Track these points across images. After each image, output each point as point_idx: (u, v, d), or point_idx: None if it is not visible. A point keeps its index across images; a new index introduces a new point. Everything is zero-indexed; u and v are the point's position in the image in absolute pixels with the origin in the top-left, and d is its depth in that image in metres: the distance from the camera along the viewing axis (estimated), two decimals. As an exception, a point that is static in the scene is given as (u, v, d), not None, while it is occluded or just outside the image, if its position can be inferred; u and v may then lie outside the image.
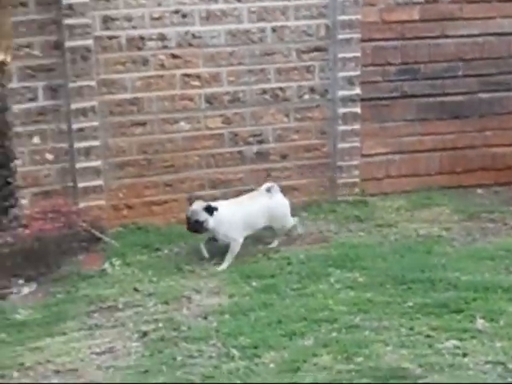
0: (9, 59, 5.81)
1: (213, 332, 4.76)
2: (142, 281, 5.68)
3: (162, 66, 6.81)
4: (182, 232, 6.25)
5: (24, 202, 6.18)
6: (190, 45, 6.85)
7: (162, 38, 6.77)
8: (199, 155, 7.00)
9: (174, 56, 6.82)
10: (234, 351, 4.49)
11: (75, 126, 6.56)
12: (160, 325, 4.93)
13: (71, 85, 6.51)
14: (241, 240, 5.99)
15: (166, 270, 5.83)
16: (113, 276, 5.77)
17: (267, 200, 6.22)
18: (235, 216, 6.00)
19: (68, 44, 6.46)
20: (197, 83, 6.90)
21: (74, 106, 6.53)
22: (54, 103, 6.57)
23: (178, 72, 6.85)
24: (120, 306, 5.27)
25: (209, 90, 6.95)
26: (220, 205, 6.00)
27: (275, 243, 6.33)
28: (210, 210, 5.86)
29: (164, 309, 5.20)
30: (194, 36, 6.85)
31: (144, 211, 6.83)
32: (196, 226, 5.90)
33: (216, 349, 4.56)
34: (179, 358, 4.45)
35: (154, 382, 4.19)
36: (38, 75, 6.51)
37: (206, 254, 6.08)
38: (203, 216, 5.86)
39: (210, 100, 6.97)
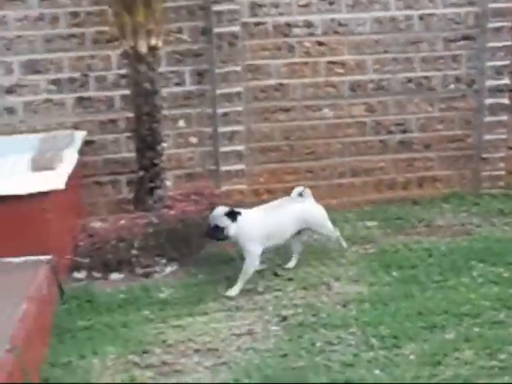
0: (160, 44, 5.94)
1: (352, 320, 4.74)
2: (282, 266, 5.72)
3: (308, 53, 6.82)
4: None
5: (168, 183, 6.32)
6: (336, 32, 6.84)
7: (309, 25, 6.78)
8: (341, 143, 6.99)
9: (320, 43, 6.82)
10: (374, 340, 4.46)
11: (220, 111, 6.67)
12: (299, 310, 4.95)
13: (217, 70, 6.61)
14: (258, 252, 5.38)
15: (305, 256, 5.84)
16: (252, 259, 5.83)
17: (298, 205, 5.66)
18: (257, 224, 5.44)
19: (216, 30, 6.56)
20: (341, 71, 6.88)
21: (219, 91, 6.64)
22: (200, 88, 6.70)
23: (323, 59, 6.85)
24: (260, 289, 5.33)
25: (353, 78, 6.92)
26: (245, 212, 5.46)
27: (293, 263, 5.72)
28: (232, 216, 5.33)
29: (303, 294, 5.21)
30: (340, 23, 6.83)
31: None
32: (215, 232, 5.35)
33: (355, 337, 4.54)
34: (318, 344, 4.46)
35: (293, 365, 4.22)
36: (185, 60, 6.65)
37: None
38: (224, 222, 5.31)
39: (354, 88, 6.94)
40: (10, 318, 4.03)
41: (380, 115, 7.01)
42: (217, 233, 5.33)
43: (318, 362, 4.24)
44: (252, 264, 5.33)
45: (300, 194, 5.69)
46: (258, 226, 5.41)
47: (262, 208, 5.62)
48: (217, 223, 5.32)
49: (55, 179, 5.15)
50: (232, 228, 5.31)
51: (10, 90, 6.49)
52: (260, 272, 5.50)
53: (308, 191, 5.72)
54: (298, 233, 5.71)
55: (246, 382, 4.07)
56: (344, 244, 5.90)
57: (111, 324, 4.81)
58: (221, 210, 5.39)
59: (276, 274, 5.56)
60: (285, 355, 4.36)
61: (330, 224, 5.80)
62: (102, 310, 5.01)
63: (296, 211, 5.61)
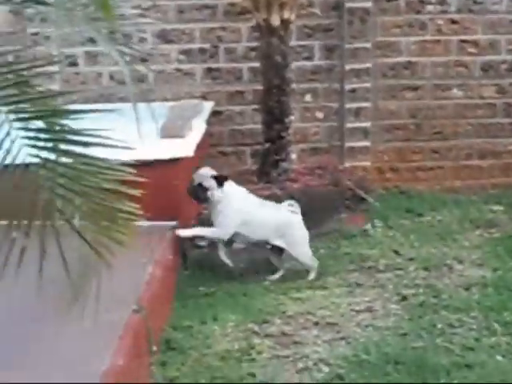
0: (293, 17, 5.95)
1: (474, 304, 4.66)
2: (403, 245, 5.66)
3: (439, 31, 6.71)
4: (446, 200, 6.18)
5: (293, 156, 6.34)
6: (470, 11, 6.69)
7: (442, 2, 6.67)
8: (470, 124, 6.85)
9: (453, 21, 6.69)
10: (496, 326, 4.38)
11: (348, 87, 6.64)
12: (420, 290, 4.90)
13: (347, 46, 6.58)
14: (230, 230, 5.12)
15: (427, 237, 5.77)
16: (374, 237, 5.80)
17: (283, 214, 5.20)
18: (240, 202, 5.13)
19: (348, 5, 6.52)
20: (473, 50, 6.73)
21: (348, 67, 6.61)
22: (329, 63, 6.69)
23: (455, 38, 6.72)
24: (380, 267, 5.30)
25: (485, 58, 6.76)
26: (232, 184, 5.17)
27: (277, 275, 5.20)
28: (219, 180, 5.07)
29: (424, 275, 5.16)
30: (474, 2, 6.68)
31: (408, 176, 6.81)
32: (197, 191, 5.10)
33: (477, 321, 4.47)
34: (439, 326, 4.41)
35: (413, 345, 4.19)
36: (315, 34, 6.64)
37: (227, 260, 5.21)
38: (209, 183, 5.07)
39: (486, 68, 6.78)
40: (138, 280, 4.15)
41: (511, 97, 6.83)
42: (199, 192, 5.11)
43: (439, 344, 4.20)
44: (218, 233, 5.14)
45: (291, 205, 5.25)
46: (239, 205, 5.13)
47: (249, 193, 5.28)
48: (202, 182, 5.10)
49: (185, 147, 5.25)
50: (216, 192, 5.07)
51: (142, 59, 6.61)
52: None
53: (297, 208, 5.23)
54: (274, 249, 5.24)
55: (365, 357, 4.07)
56: (312, 276, 5.16)
57: (232, 292, 4.89)
58: (208, 170, 5.19)
59: (397, 253, 5.50)
60: (404, 334, 4.33)
61: (308, 251, 5.22)
62: (222, 278, 5.09)
63: (278, 218, 5.20)
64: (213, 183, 5.07)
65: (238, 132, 6.74)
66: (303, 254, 5.19)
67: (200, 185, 5.09)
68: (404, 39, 6.69)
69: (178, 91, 6.66)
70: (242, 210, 5.12)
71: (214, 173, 5.16)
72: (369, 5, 6.53)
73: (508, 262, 5.31)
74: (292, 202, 5.26)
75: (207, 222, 5.22)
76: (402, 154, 6.83)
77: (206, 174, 5.13)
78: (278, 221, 5.18)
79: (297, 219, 5.21)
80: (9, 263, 2.41)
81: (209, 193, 5.08)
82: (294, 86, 6.38)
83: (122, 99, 5.99)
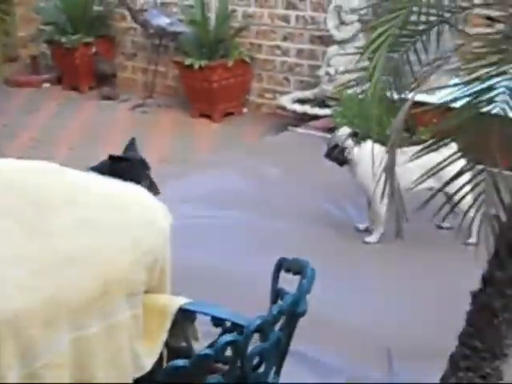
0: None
1: None
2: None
3: None
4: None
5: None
6: None
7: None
8: None
9: None
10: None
11: None
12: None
13: None
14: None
15: None
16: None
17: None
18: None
19: None
20: None
21: None
22: None
23: None
24: None
25: None
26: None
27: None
28: (356, 137, 4.72)
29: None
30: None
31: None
32: (333, 153, 4.77)
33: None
34: None
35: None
36: None
37: None
38: (346, 142, 4.72)
39: None
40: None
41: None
42: (335, 154, 4.75)
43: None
44: (381, 204, 4.41)
45: None
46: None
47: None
48: (337, 142, 4.77)
49: None
50: (354, 151, 4.69)
51: None
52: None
53: None
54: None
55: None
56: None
57: None
58: (344, 129, 4.88)
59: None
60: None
61: None
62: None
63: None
64: (349, 142, 4.73)
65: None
66: None
67: (336, 145, 4.76)
68: None
69: None
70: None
71: (350, 130, 4.82)
72: None
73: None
74: None
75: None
76: None
77: (342, 133, 4.83)
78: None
79: None
80: None
81: (346, 152, 4.72)
82: None
83: None
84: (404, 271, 4.32)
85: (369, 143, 4.53)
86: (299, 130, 6.65)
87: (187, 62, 7.73)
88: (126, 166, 3.83)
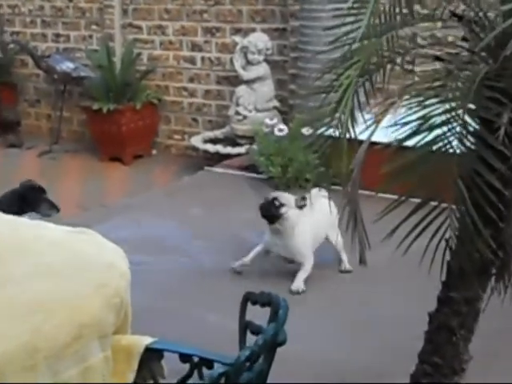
0: None
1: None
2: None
3: None
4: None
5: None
6: None
7: None
8: None
9: None
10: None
11: None
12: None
13: None
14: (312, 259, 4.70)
15: None
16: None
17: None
18: (306, 225, 4.66)
19: None
20: None
21: None
22: None
23: None
24: None
25: None
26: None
27: (346, 265, 4.81)
28: (300, 206, 4.60)
29: None
30: None
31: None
32: (270, 207, 4.59)
33: None
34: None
35: None
36: None
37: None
38: (287, 199, 4.63)
39: None
40: None
41: None
42: (271, 208, 4.57)
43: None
44: (310, 262, 4.64)
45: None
46: (306, 227, 4.66)
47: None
48: (277, 197, 4.63)
49: None
50: (291, 213, 4.56)
51: None
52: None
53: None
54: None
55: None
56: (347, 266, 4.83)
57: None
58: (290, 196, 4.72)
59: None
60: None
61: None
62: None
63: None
64: (291, 201, 4.62)
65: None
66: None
67: (274, 200, 4.61)
68: None
69: None
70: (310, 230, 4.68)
71: (297, 197, 4.67)
72: None
73: None
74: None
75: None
76: None
77: (286, 195, 4.73)
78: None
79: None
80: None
81: (283, 210, 4.57)
82: None
83: None
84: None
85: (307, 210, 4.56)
86: (216, 169, 6.75)
87: (95, 106, 7.74)
88: (26, 192, 4.67)
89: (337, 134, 2.38)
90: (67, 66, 8.13)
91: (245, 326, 2.49)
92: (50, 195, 6.54)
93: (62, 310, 2.40)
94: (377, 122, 2.29)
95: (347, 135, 2.42)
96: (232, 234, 5.42)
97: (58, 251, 2.73)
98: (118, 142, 7.79)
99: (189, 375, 2.63)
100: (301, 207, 4.59)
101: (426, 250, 2.39)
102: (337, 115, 2.29)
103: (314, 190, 4.59)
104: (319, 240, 4.78)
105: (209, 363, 2.55)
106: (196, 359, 2.59)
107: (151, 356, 2.66)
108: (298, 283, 4.58)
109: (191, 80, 7.96)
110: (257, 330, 2.42)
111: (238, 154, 7.06)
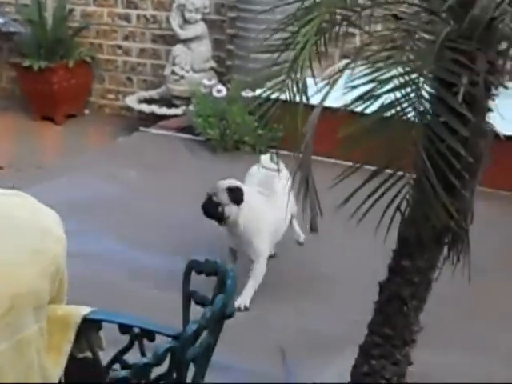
0: None
1: None
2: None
3: None
4: None
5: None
6: None
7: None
8: None
9: None
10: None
11: None
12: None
13: None
14: (267, 252, 4.18)
15: None
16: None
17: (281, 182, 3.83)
18: (265, 216, 4.13)
19: None
20: None
21: None
22: None
23: None
24: None
25: None
26: (250, 192, 4.14)
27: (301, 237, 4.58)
28: (234, 195, 4.03)
29: None
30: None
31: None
32: (209, 206, 4.05)
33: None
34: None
35: None
36: None
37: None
38: (223, 198, 4.01)
39: None
40: None
41: None
42: (210, 208, 4.05)
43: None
44: (263, 266, 4.10)
45: (270, 163, 4.28)
46: (264, 219, 4.13)
47: (257, 190, 4.27)
48: (211, 195, 4.06)
49: None
50: (232, 210, 4.03)
51: None
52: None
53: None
54: None
55: None
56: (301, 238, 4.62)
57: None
58: (225, 183, 4.10)
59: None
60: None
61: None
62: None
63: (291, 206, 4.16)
64: (225, 197, 4.03)
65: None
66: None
67: (211, 198, 4.06)
68: None
69: None
70: (270, 226, 4.17)
71: (231, 184, 4.07)
72: None
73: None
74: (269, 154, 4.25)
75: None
76: None
77: (219, 186, 4.07)
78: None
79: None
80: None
81: (220, 209, 4.03)
82: None
83: None
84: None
85: (248, 198, 4.05)
86: (152, 130, 6.57)
87: (26, 63, 7.46)
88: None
89: (287, 96, 2.26)
90: (-4, 20, 7.83)
91: (188, 297, 2.37)
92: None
93: (-7, 280, 2.25)
94: (330, 84, 2.16)
95: (298, 98, 2.30)
96: (170, 197, 5.28)
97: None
98: (50, 101, 7.53)
99: (128, 347, 2.51)
100: (237, 202, 4.01)
101: (381, 218, 2.29)
102: (291, 76, 2.16)
103: (263, 159, 4.36)
104: (283, 227, 4.28)
105: (150, 335, 2.43)
106: (137, 330, 2.47)
107: (89, 326, 2.52)
108: (244, 298, 4.00)
109: (126, 38, 7.73)
110: (202, 301, 2.30)
111: (175, 115, 6.90)
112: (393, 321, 2.45)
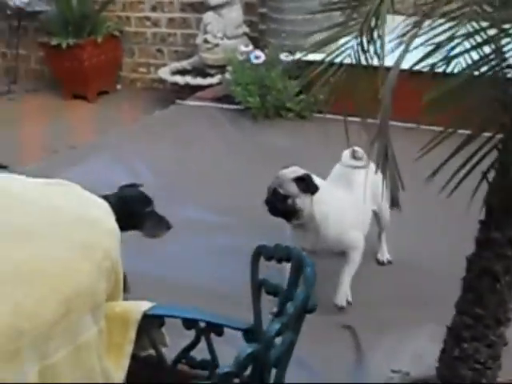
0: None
1: None
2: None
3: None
4: None
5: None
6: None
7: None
8: None
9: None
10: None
11: None
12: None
13: None
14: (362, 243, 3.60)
15: None
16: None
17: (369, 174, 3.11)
18: (345, 205, 3.58)
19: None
20: None
21: None
22: None
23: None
24: None
25: None
26: (324, 186, 3.51)
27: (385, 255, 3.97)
28: (305, 184, 3.43)
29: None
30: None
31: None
32: (275, 202, 3.45)
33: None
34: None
35: None
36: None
37: None
38: (293, 189, 3.43)
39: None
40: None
41: None
42: (279, 203, 3.44)
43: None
44: (358, 257, 3.57)
45: (355, 157, 3.72)
46: (347, 205, 3.59)
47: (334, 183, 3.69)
48: (276, 187, 3.46)
49: None
50: (305, 202, 3.43)
51: None
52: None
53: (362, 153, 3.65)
54: None
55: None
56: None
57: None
58: (290, 171, 3.49)
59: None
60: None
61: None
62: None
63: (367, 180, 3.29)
64: (293, 188, 3.44)
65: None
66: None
67: (276, 191, 3.46)
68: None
69: None
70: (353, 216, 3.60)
71: (297, 172, 3.47)
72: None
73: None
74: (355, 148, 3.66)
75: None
76: None
77: (285, 176, 3.47)
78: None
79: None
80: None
81: (290, 202, 3.44)
82: None
83: None
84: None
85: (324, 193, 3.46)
86: (189, 102, 6.33)
87: (54, 42, 7.25)
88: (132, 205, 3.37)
89: (356, 59, 2.02)
90: (20, 0, 7.61)
91: (258, 285, 2.16)
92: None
93: (44, 282, 2.05)
94: (405, 43, 1.91)
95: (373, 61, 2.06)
96: (216, 173, 5.04)
97: (33, 209, 2.36)
98: (81, 79, 7.33)
99: (194, 343, 2.31)
100: (310, 191, 3.43)
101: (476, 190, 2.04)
102: (365, 36, 1.92)
103: (345, 154, 3.74)
104: (367, 221, 3.72)
105: (218, 328, 2.23)
106: (203, 324, 2.27)
107: (150, 323, 2.33)
108: (341, 297, 3.51)
109: (154, 9, 7.49)
110: (274, 290, 2.09)
111: (210, 85, 6.66)
112: (484, 299, 2.22)
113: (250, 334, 2.11)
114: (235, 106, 5.91)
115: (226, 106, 6.04)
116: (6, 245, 2.13)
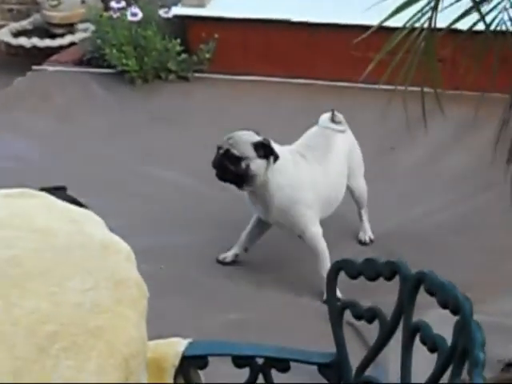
0: None
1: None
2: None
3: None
4: None
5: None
6: None
7: None
8: None
9: None
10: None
11: None
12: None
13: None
14: (320, 230, 3.36)
15: None
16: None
17: (344, 139, 3.43)
18: (303, 180, 3.32)
19: None
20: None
21: None
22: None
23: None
24: None
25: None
26: (284, 155, 3.29)
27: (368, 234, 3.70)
28: (264, 150, 3.21)
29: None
30: None
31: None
32: (224, 164, 3.22)
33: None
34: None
35: None
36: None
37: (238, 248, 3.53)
38: (248, 152, 3.20)
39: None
40: None
41: None
42: (230, 167, 3.19)
43: None
44: (318, 241, 3.32)
45: (333, 120, 3.47)
46: (308, 186, 3.31)
47: (295, 150, 3.41)
48: (228, 147, 3.19)
49: None
50: (258, 167, 3.19)
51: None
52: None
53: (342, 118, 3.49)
54: None
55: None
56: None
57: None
58: (248, 134, 3.26)
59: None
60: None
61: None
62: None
63: (345, 147, 3.45)
64: (252, 153, 3.17)
65: None
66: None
67: (228, 152, 3.19)
68: None
69: None
70: (315, 193, 3.29)
71: (257, 138, 3.22)
72: None
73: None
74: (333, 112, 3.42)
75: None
76: None
77: (241, 139, 3.22)
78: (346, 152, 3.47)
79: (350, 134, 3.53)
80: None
81: (243, 165, 3.17)
82: None
83: None
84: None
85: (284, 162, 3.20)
86: (48, 67, 5.62)
87: None
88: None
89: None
90: None
91: (340, 308, 1.76)
92: None
93: (94, 345, 1.53)
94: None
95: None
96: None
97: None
98: None
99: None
100: (273, 160, 3.18)
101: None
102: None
103: (323, 118, 3.48)
104: (336, 198, 3.44)
105: (282, 363, 1.81)
106: (260, 361, 1.84)
107: (190, 364, 1.87)
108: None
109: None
110: (359, 314, 1.68)
111: (60, 47, 6.00)
112: None
113: (330, 368, 1.72)
114: (107, 70, 5.31)
115: (94, 70, 5.42)
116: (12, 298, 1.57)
